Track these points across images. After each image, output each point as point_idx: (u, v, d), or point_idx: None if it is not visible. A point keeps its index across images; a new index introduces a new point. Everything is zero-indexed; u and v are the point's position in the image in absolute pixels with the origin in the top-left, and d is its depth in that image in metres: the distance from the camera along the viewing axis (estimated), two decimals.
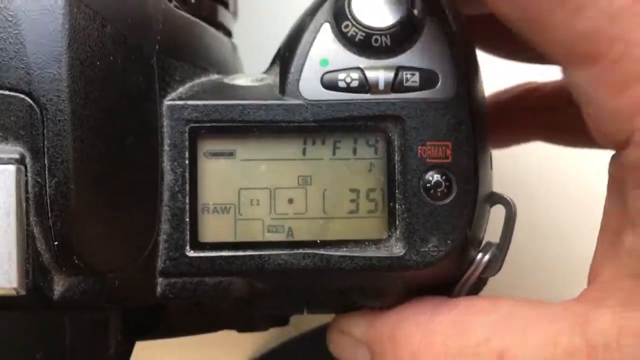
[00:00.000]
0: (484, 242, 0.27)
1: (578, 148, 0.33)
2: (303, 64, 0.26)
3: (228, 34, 0.32)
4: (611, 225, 0.23)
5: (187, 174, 0.25)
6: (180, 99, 0.26)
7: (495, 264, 0.26)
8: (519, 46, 0.25)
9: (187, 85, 0.26)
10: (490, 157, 0.27)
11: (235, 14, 0.33)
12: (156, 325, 0.28)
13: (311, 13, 0.26)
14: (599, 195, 0.24)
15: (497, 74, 0.32)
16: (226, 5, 0.31)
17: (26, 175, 0.22)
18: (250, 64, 0.33)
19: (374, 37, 0.26)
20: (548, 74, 0.31)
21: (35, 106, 0.22)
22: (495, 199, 0.26)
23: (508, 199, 0.26)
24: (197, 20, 0.28)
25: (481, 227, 0.26)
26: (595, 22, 0.20)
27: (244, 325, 0.30)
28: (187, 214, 0.25)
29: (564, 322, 0.22)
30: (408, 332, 0.25)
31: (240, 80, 0.27)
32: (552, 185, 0.39)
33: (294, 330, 0.34)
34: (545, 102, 0.32)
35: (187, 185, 0.25)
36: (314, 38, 0.26)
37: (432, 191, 0.25)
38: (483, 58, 0.29)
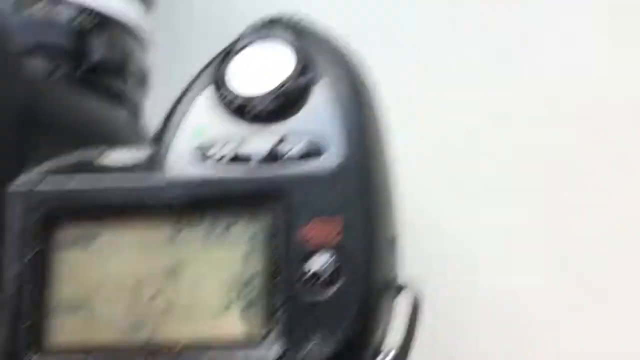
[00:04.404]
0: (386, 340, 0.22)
1: None
2: (175, 135, 0.23)
3: (127, 102, 0.29)
4: None
5: (37, 267, 0.22)
6: (38, 182, 0.23)
7: None
8: None
9: (47, 167, 0.23)
10: (396, 237, 0.22)
11: (142, 82, 0.30)
12: None
13: (194, 79, 0.24)
14: None
15: None
16: (124, 79, 0.29)
17: None
18: None
19: (252, 104, 0.22)
20: None
21: None
22: (397, 287, 0.22)
23: (413, 288, 0.21)
24: (81, 95, 0.26)
25: (378, 322, 0.22)
26: None
27: None
28: (32, 314, 0.22)
29: None
30: None
31: (112, 158, 0.24)
32: None
33: None
34: None
35: (36, 280, 0.22)
36: (191, 106, 0.23)
37: (315, 279, 0.21)
38: None
